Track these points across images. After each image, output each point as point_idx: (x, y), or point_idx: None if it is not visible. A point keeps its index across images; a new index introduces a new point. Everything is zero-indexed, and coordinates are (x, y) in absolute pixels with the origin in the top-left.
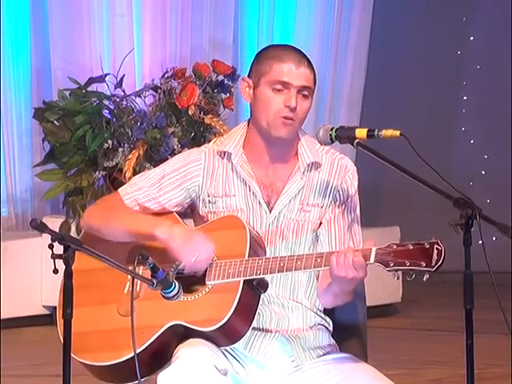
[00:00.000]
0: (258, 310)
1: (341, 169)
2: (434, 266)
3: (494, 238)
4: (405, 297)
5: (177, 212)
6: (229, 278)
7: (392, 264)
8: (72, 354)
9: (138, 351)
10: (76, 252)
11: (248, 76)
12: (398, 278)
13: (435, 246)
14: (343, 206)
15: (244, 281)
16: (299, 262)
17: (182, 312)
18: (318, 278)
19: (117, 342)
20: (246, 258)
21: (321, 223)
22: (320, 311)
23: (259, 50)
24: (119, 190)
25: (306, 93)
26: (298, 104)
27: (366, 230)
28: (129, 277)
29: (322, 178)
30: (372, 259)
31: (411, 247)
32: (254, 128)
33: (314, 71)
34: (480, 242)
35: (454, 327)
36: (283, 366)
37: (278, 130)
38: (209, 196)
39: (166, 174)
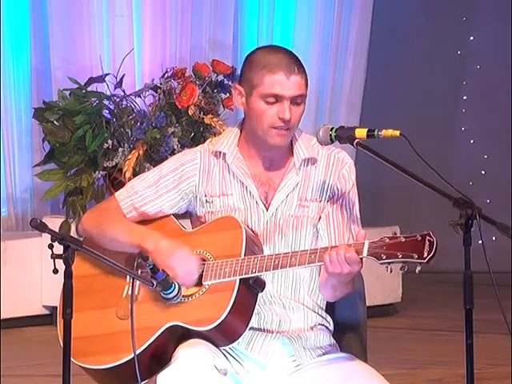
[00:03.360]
0: (259, 311)
1: (337, 163)
2: (425, 258)
3: (493, 238)
4: (405, 297)
5: (174, 214)
6: (225, 277)
7: (384, 257)
8: (72, 359)
9: (137, 353)
10: (75, 254)
11: (239, 82)
12: (391, 272)
13: (427, 237)
14: (341, 200)
15: (240, 280)
16: (293, 259)
17: (179, 313)
18: (319, 273)
19: (116, 345)
20: (242, 257)
21: (320, 218)
22: (321, 310)
23: (249, 52)
24: (116, 194)
25: (298, 100)
26: (292, 113)
27: (365, 230)
28: (127, 280)
29: (319, 173)
30: (365, 253)
31: (403, 240)
32: (249, 131)
33: (305, 73)
34: (480, 241)
35: (454, 327)
36: (284, 366)
37: (274, 140)
38: (206, 196)
39: (162, 175)
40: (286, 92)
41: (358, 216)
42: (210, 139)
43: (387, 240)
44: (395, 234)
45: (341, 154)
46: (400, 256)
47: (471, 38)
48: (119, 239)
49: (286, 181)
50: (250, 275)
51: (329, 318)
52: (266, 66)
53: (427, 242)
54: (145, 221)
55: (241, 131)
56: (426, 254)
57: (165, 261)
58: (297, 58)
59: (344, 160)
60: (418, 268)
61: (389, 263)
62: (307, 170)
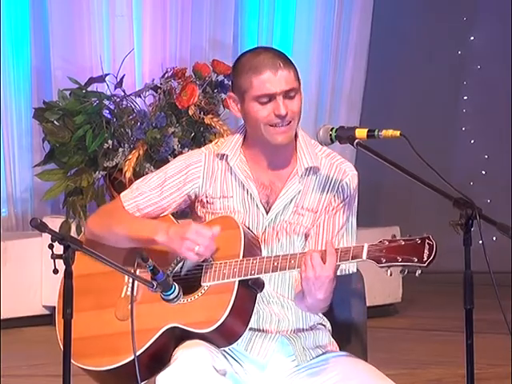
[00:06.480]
0: (258, 310)
1: (339, 173)
2: (425, 262)
3: (494, 238)
4: (405, 297)
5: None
6: (224, 278)
7: (384, 260)
8: (71, 360)
9: (137, 354)
10: (75, 253)
11: (232, 90)
12: (390, 275)
13: (426, 241)
14: (336, 210)
15: (239, 281)
16: (293, 261)
17: (178, 314)
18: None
19: (115, 347)
20: (241, 258)
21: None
22: None
23: (235, 59)
24: (121, 195)
25: (291, 94)
26: (288, 107)
27: (366, 230)
28: (126, 280)
29: (319, 183)
30: (364, 256)
31: (403, 243)
32: (252, 135)
33: (293, 66)
34: (480, 241)
35: (454, 327)
36: (283, 366)
37: (276, 139)
38: (207, 197)
39: (167, 177)
40: (277, 88)
41: (351, 231)
42: (216, 140)
43: (386, 243)
44: (394, 236)
45: (344, 164)
46: (400, 260)
47: (471, 37)
48: (130, 235)
49: (287, 188)
50: (249, 277)
51: (325, 319)
52: (251, 69)
53: (427, 245)
54: None
55: (245, 135)
56: (425, 258)
57: (180, 244)
58: (281, 53)
59: (346, 171)
60: (418, 271)
61: (388, 267)
62: (308, 178)
